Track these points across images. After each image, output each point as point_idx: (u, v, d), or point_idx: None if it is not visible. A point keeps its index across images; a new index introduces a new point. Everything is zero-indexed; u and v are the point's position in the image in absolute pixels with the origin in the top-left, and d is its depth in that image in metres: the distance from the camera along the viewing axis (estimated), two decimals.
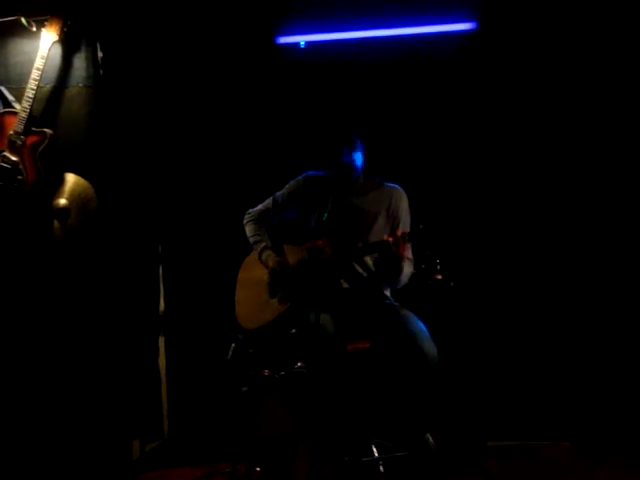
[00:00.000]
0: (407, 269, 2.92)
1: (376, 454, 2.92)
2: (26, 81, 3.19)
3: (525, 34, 3.67)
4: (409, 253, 2.93)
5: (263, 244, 3.14)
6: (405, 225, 3.06)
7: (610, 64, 3.62)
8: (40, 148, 3.22)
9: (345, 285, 3.02)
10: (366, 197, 3.08)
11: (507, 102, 3.72)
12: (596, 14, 3.60)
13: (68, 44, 3.34)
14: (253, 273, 3.18)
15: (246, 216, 3.24)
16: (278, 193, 3.20)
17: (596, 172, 3.66)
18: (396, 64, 3.77)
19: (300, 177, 3.18)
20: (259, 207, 3.23)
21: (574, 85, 3.66)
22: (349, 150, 3.00)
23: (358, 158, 3.03)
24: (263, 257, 3.12)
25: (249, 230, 3.21)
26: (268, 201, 3.21)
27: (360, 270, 3.02)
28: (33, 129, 3.23)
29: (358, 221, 3.04)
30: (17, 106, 3.26)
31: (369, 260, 3.03)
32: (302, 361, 3.01)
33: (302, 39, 3.80)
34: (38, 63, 3.19)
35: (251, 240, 3.19)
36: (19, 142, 3.19)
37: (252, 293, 3.16)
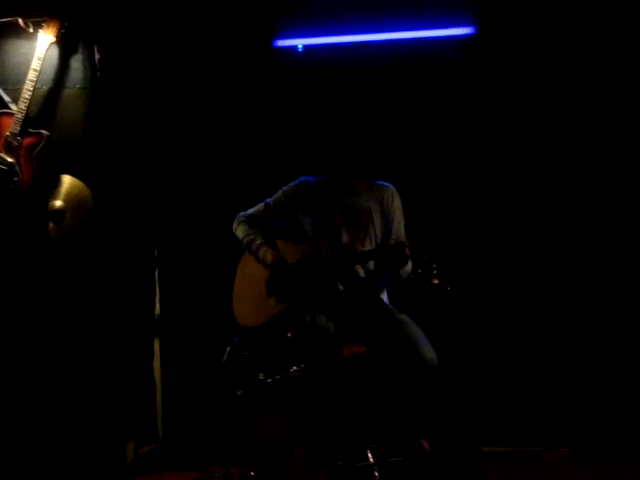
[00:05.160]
0: (408, 264, 2.91)
1: (371, 459, 2.90)
2: (23, 82, 3.18)
3: (524, 39, 3.67)
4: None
5: (258, 241, 3.12)
6: (399, 222, 3.09)
7: (608, 67, 3.62)
8: (36, 149, 3.21)
9: (341, 288, 3.01)
10: (360, 197, 3.10)
11: (505, 106, 3.72)
12: (595, 18, 3.60)
13: (65, 45, 3.33)
14: (252, 270, 3.13)
15: (236, 219, 3.20)
16: (269, 199, 3.19)
17: (592, 178, 3.66)
18: (394, 68, 3.77)
19: (293, 183, 3.18)
20: (250, 211, 3.21)
21: (572, 90, 3.67)
22: (345, 153, 3.01)
23: (354, 161, 3.04)
24: (260, 254, 3.09)
25: (241, 231, 3.17)
26: (259, 206, 3.20)
27: (359, 271, 3.02)
28: (29, 130, 3.22)
29: (354, 222, 3.05)
30: (14, 107, 3.24)
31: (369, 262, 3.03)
32: (298, 364, 3.01)
33: (300, 42, 3.80)
34: (35, 64, 3.18)
35: (245, 241, 3.15)
36: (15, 143, 3.18)
37: (250, 290, 3.13)
